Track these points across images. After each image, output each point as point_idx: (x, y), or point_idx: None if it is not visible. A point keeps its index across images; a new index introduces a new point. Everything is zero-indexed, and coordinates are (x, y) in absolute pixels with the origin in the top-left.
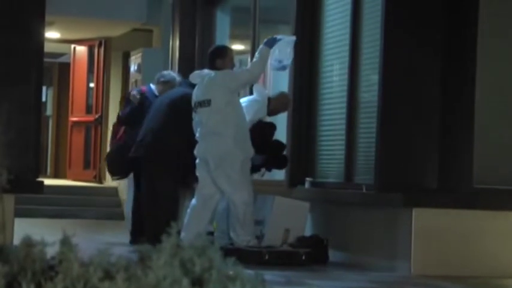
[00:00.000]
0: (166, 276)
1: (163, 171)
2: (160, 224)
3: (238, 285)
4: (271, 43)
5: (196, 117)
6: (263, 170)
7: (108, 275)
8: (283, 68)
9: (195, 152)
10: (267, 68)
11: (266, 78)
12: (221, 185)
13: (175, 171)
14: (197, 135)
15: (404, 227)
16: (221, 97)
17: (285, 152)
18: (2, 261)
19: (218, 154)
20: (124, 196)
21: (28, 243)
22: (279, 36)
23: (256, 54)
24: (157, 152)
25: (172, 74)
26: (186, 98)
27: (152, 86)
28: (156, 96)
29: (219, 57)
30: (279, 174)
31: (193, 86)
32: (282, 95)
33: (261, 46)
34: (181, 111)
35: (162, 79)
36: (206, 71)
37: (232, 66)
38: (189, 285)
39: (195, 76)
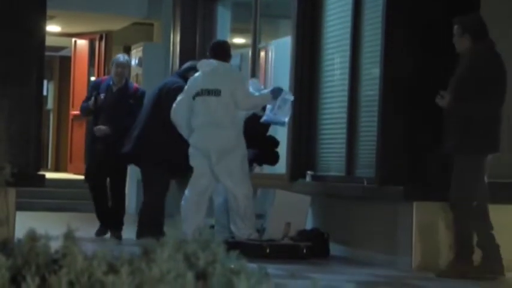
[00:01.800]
0: (170, 270)
1: (154, 169)
2: (158, 223)
3: (242, 279)
4: (276, 93)
5: (196, 104)
6: (254, 164)
7: (112, 269)
8: (282, 124)
9: (192, 141)
10: (268, 65)
11: (267, 74)
12: (222, 179)
13: (165, 166)
14: (196, 123)
15: (405, 221)
16: (229, 93)
17: (277, 149)
18: (6, 255)
19: (221, 147)
20: (126, 190)
21: (32, 236)
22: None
23: (259, 94)
24: (144, 147)
25: (115, 58)
26: (166, 89)
27: None
28: (109, 85)
29: (228, 52)
30: (280, 168)
31: (182, 76)
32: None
33: (266, 91)
34: (162, 102)
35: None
36: (215, 61)
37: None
38: (193, 279)
39: (203, 64)
